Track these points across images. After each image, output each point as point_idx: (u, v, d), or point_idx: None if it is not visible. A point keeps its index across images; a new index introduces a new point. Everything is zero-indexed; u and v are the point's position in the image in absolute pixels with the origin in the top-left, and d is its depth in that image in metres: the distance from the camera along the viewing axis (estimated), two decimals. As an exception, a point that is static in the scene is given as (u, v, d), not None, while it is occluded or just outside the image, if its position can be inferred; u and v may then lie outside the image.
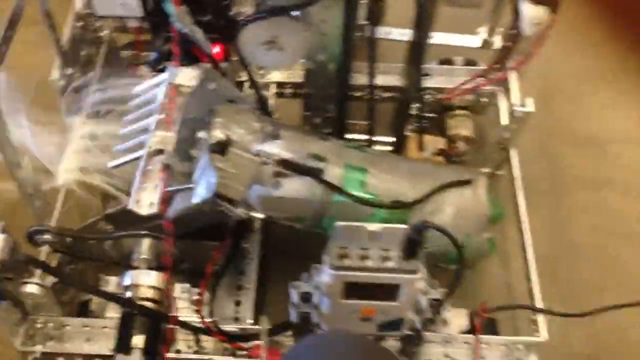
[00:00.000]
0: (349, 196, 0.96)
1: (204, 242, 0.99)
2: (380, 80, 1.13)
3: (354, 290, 0.82)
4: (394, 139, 1.22)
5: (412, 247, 0.78)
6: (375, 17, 0.98)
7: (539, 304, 1.03)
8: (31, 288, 0.90)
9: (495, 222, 1.08)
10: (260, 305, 1.06)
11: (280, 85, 1.24)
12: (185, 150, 0.89)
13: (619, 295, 1.15)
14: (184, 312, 0.94)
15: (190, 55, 0.95)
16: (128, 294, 0.89)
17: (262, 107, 1.07)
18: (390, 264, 0.79)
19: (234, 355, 0.93)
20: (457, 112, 1.22)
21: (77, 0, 1.09)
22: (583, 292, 1.26)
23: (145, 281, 0.91)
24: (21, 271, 0.89)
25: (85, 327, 0.95)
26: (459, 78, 1.19)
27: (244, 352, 0.92)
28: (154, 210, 0.84)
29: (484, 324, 0.96)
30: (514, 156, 1.18)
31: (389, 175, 1.00)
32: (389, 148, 1.23)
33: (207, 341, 0.94)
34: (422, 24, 0.99)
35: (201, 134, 0.87)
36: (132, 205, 0.85)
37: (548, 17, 0.78)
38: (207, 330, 0.92)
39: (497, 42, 1.19)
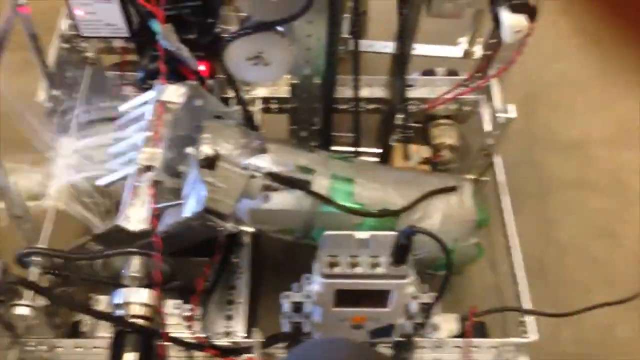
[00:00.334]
0: (338, 206, 0.97)
1: (193, 259, 0.99)
2: (364, 92, 1.15)
3: (344, 297, 0.83)
4: (380, 150, 1.24)
5: (401, 252, 0.79)
6: (358, 30, 1.00)
7: (527, 305, 1.04)
8: (22, 310, 0.90)
9: (482, 227, 1.10)
10: (252, 318, 1.06)
11: (265, 100, 1.25)
12: (173, 166, 0.90)
13: (605, 293, 1.17)
14: (176, 328, 0.94)
15: (177, 73, 0.96)
16: (119, 312, 0.89)
17: (249, 122, 1.08)
18: (380, 270, 0.80)
19: (227, 369, 0.93)
20: (441, 121, 1.24)
21: (62, 22, 1.10)
22: (570, 293, 1.28)
23: (136, 299, 0.90)
24: (12, 294, 0.89)
25: (77, 347, 0.95)
26: (442, 88, 1.22)
27: (238, 366, 0.92)
28: (143, 226, 0.85)
29: (473, 328, 0.97)
30: (498, 162, 1.20)
31: (375, 184, 1.02)
32: (375, 159, 1.25)
33: (200, 357, 0.94)
34: (406, 35, 1.01)
35: (189, 150, 0.88)
36: (121, 222, 0.85)
37: (527, 25, 0.80)
38: (199, 346, 0.92)
39: (478, 51, 1.21)
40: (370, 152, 1.25)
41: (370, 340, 0.92)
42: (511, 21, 0.81)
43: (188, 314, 0.96)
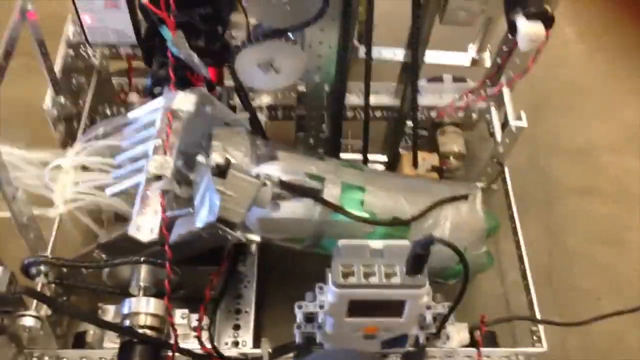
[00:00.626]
0: (349, 215, 0.96)
1: (201, 268, 0.98)
2: (372, 99, 1.14)
3: (358, 308, 0.82)
4: (388, 157, 1.23)
5: (417, 262, 0.78)
6: (369, 37, 0.99)
7: (537, 315, 1.04)
8: (28, 321, 0.88)
9: (491, 235, 1.09)
10: (258, 328, 1.05)
11: (271, 108, 1.24)
12: (183, 174, 0.89)
13: (612, 301, 1.17)
14: (184, 338, 0.93)
15: (184, 80, 0.95)
16: (127, 323, 0.88)
17: (257, 129, 1.07)
18: (395, 280, 0.79)
19: (236, 380, 0.92)
20: (448, 128, 1.24)
21: (69, 28, 1.09)
22: (577, 300, 1.27)
23: (144, 308, 0.90)
24: (18, 304, 0.87)
25: (82, 358, 0.94)
26: (449, 95, 1.21)
27: (247, 377, 0.91)
28: (154, 236, 0.84)
29: (484, 337, 0.96)
30: (506, 170, 1.20)
31: (386, 192, 1.01)
32: (382, 166, 1.25)
33: (208, 367, 0.93)
34: (418, 43, 1.01)
35: (200, 158, 0.87)
36: (132, 232, 0.84)
37: (544, 33, 0.79)
38: (208, 357, 0.91)
39: (487, 59, 1.21)
40: (377, 159, 1.24)
41: (381, 351, 0.91)
42: (528, 29, 0.80)
43: (195, 323, 0.95)
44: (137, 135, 0.91)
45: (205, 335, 0.95)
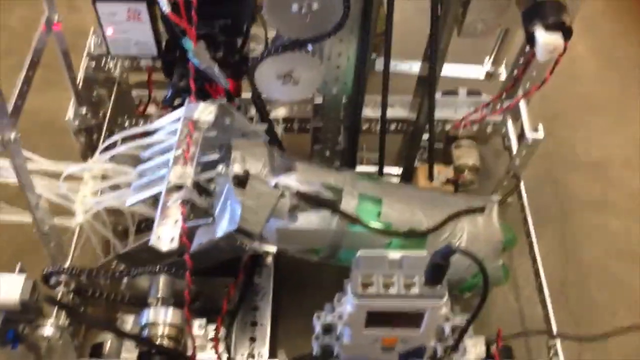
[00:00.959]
0: (367, 227, 0.96)
1: (217, 279, 0.98)
2: (389, 112, 1.15)
3: (376, 318, 0.82)
4: (403, 170, 1.23)
5: (437, 272, 0.78)
6: (388, 49, 1.00)
7: (553, 329, 1.03)
8: (47, 330, 0.89)
9: (508, 249, 1.09)
10: (273, 340, 1.05)
11: (286, 120, 1.25)
12: (202, 185, 0.90)
13: (628, 316, 1.16)
14: (201, 349, 0.93)
15: (203, 91, 0.96)
16: (145, 333, 0.88)
17: (274, 140, 1.07)
18: (414, 291, 0.79)
19: (253, 391, 0.92)
20: (463, 142, 1.24)
21: (92, 40, 1.10)
22: (593, 315, 1.26)
23: (163, 319, 0.90)
24: (38, 313, 0.88)
25: (100, 368, 0.94)
26: (464, 108, 1.22)
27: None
28: (175, 246, 0.84)
29: (500, 351, 0.95)
30: (522, 183, 1.20)
31: (403, 204, 1.01)
32: (397, 179, 1.25)
33: (225, 379, 0.93)
34: (437, 57, 1.01)
35: (220, 169, 0.87)
36: (153, 242, 0.84)
37: (562, 44, 0.80)
38: (225, 368, 0.91)
39: (503, 72, 1.21)
40: (393, 172, 1.24)
41: (399, 363, 0.90)
42: (547, 40, 0.80)
43: (212, 335, 0.95)
44: (157, 146, 0.92)
45: (222, 346, 0.95)
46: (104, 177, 0.96)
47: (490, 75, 1.24)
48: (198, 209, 0.89)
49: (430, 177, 1.18)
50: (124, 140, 0.97)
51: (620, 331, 0.97)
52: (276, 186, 0.91)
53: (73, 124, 1.06)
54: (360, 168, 1.21)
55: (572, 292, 1.28)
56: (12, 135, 0.81)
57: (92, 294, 0.97)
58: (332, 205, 0.95)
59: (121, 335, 0.90)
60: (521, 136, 1.12)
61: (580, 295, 1.29)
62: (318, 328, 0.87)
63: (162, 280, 0.94)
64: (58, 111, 1.10)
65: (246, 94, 1.04)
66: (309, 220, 0.96)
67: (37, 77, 0.91)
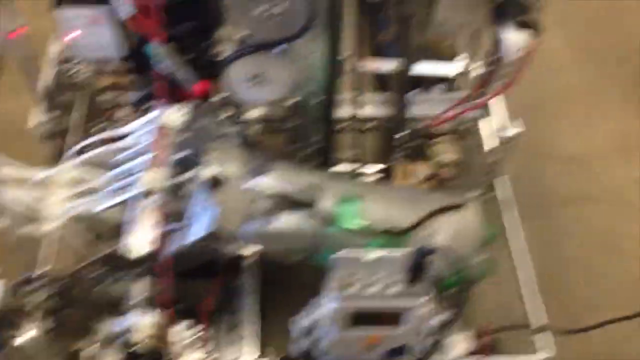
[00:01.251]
0: (345, 227, 0.95)
1: (197, 281, 0.97)
2: (364, 110, 1.14)
3: (358, 319, 0.81)
4: (381, 168, 1.22)
5: (417, 271, 0.77)
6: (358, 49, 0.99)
7: (538, 323, 1.03)
8: (24, 338, 0.86)
9: (490, 243, 1.08)
10: (259, 341, 1.03)
11: (262, 120, 1.23)
12: (176, 188, 0.88)
13: (612, 309, 1.16)
14: (183, 351, 0.91)
15: (174, 94, 0.95)
16: (124, 338, 0.86)
17: (248, 142, 1.06)
18: (394, 289, 0.78)
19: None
20: (441, 138, 1.23)
21: (54, 45, 1.08)
22: (576, 308, 1.26)
23: (143, 322, 0.88)
24: (15, 320, 0.85)
25: (77, 377, 0.91)
26: (441, 105, 1.21)
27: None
28: (147, 250, 0.82)
29: (485, 346, 0.95)
30: (504, 179, 1.19)
31: (381, 203, 1.00)
32: (376, 177, 1.23)
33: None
34: (407, 54, 1.01)
35: (194, 172, 0.85)
36: (125, 246, 0.82)
37: (531, 42, 0.79)
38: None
39: (476, 69, 1.21)
40: (371, 170, 1.23)
41: (383, 362, 0.89)
42: (514, 37, 0.80)
43: (197, 336, 0.93)
44: (128, 151, 0.90)
45: (210, 346, 0.94)
46: (76, 183, 0.94)
47: (465, 73, 1.23)
48: (172, 213, 0.88)
49: (408, 174, 1.18)
50: (95, 145, 0.95)
51: (602, 324, 0.97)
52: (252, 188, 0.89)
53: (39, 130, 1.03)
54: (338, 167, 1.20)
55: (554, 286, 1.28)
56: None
57: (70, 300, 0.94)
58: (309, 206, 0.94)
59: (100, 339, 0.88)
60: (499, 130, 1.11)
61: (562, 289, 1.29)
62: (298, 330, 0.86)
63: (140, 284, 0.92)
64: (29, 117, 1.07)
65: (219, 96, 1.03)
66: (287, 221, 0.94)
67: (16, 81, 0.88)
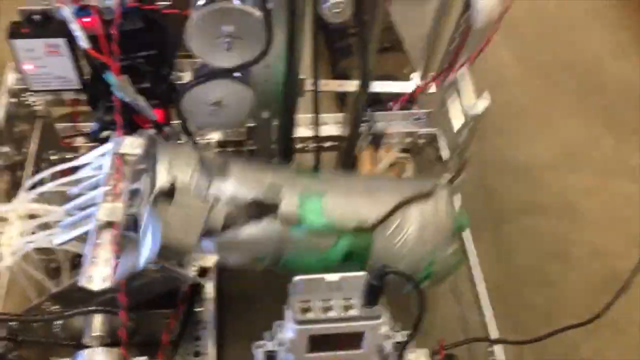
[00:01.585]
0: (309, 227, 0.92)
1: (156, 311, 0.96)
2: (322, 130, 1.15)
3: (318, 342, 0.82)
4: (347, 157, 1.22)
5: (372, 293, 0.79)
6: (316, 70, 1.00)
7: (494, 334, 1.06)
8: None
9: (461, 231, 1.07)
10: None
11: (220, 144, 1.24)
12: (135, 219, 0.87)
13: (564, 316, 1.20)
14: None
15: (131, 123, 0.95)
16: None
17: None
18: (352, 312, 0.80)
19: None
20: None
21: (10, 76, 1.07)
22: (530, 317, 1.30)
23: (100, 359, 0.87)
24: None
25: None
26: (397, 122, 1.24)
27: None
28: (107, 285, 0.82)
29: (443, 361, 0.97)
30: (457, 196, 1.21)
31: (345, 197, 0.96)
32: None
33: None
34: (365, 74, 1.02)
35: (141, 183, 0.82)
36: (83, 282, 0.82)
37: (501, 4, 0.78)
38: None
39: (431, 86, 1.23)
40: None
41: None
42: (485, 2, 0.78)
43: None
44: (85, 182, 0.89)
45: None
46: (31, 217, 0.93)
47: (420, 89, 1.26)
48: (132, 242, 0.87)
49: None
50: (52, 177, 0.94)
51: (556, 332, 1.00)
52: (209, 195, 0.86)
53: (-6, 163, 1.02)
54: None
55: (509, 296, 1.32)
56: None
57: (24, 339, 0.93)
58: (272, 210, 0.90)
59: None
60: (465, 107, 1.08)
61: (517, 298, 1.33)
62: (259, 357, 0.86)
63: (97, 319, 0.92)
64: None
65: (176, 121, 1.03)
66: (249, 228, 0.90)
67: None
